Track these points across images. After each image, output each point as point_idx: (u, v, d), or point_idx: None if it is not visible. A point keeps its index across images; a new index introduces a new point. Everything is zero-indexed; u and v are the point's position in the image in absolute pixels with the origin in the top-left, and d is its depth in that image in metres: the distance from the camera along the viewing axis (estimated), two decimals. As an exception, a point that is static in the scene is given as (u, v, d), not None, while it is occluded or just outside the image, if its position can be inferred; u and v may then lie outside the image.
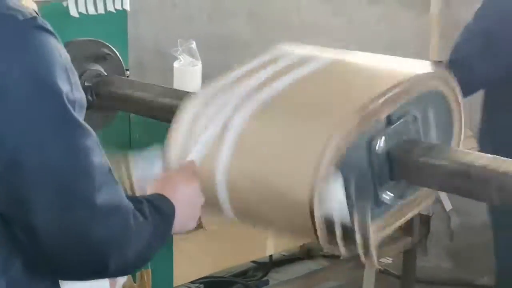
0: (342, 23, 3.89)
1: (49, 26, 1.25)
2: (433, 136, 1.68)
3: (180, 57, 3.21)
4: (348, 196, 1.48)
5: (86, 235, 1.26)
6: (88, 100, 2.26)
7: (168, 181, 1.56)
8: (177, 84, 3.21)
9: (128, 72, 2.43)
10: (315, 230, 1.47)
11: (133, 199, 1.40)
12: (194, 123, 1.65)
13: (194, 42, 3.21)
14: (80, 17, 2.32)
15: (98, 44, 2.32)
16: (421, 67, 1.70)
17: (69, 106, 1.23)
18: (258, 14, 4.16)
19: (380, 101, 1.53)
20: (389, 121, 1.57)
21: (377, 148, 1.54)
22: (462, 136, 1.77)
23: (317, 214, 1.45)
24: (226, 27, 4.35)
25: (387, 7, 3.53)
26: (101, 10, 2.36)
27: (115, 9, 2.39)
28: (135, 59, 4.25)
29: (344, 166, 1.47)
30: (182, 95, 2.07)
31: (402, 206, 1.65)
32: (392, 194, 1.60)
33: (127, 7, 2.41)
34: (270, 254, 3.12)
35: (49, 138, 1.21)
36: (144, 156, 1.69)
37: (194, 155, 1.61)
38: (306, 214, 1.45)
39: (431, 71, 1.67)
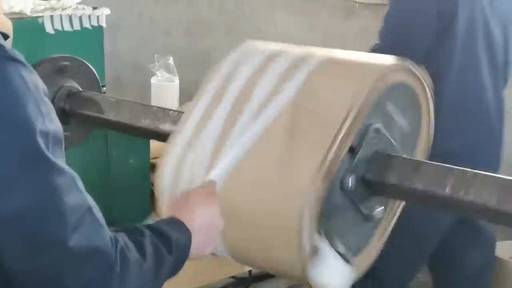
0: (318, 37, 3.91)
1: (17, 55, 1.18)
2: (404, 125, 1.68)
3: (157, 72, 3.21)
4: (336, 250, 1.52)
5: (58, 281, 1.16)
6: (63, 117, 2.27)
7: (186, 202, 1.47)
8: (155, 100, 3.21)
9: (104, 88, 2.42)
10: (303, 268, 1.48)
11: (133, 230, 1.31)
12: (183, 158, 1.63)
13: (171, 58, 3.22)
14: (55, 34, 2.31)
15: (76, 61, 2.32)
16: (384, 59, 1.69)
17: (39, 141, 1.14)
18: (235, 29, 4.17)
19: (335, 147, 1.49)
20: (352, 151, 1.55)
21: (350, 185, 1.54)
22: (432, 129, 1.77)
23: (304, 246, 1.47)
24: (204, 43, 4.36)
25: (363, 21, 3.54)
26: (77, 27, 2.34)
27: (91, 26, 2.38)
28: (112, 75, 4.24)
29: (328, 223, 1.51)
30: (158, 112, 2.07)
31: (389, 214, 1.73)
32: (381, 207, 1.63)
33: (103, 23, 2.40)
34: (249, 269, 3.10)
35: (15, 178, 1.13)
36: None
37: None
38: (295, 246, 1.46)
39: (394, 63, 1.65)
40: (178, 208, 1.44)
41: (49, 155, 1.16)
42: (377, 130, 1.59)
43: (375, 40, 3.46)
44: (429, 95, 1.72)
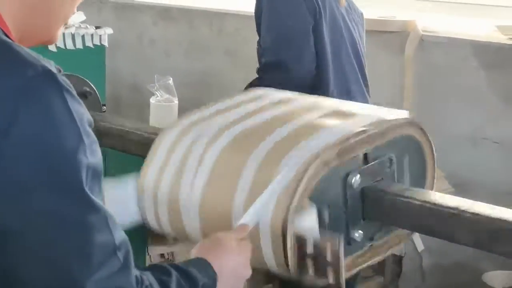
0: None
1: (68, 85, 1.12)
2: (407, 181, 1.71)
3: (156, 92, 3.22)
4: (321, 225, 1.49)
5: None
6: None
7: (217, 245, 1.40)
8: (153, 120, 3.22)
9: (104, 107, 2.44)
10: (286, 256, 1.47)
11: (160, 270, 1.27)
12: (169, 156, 1.65)
13: (171, 78, 3.23)
14: (58, 52, 2.33)
15: (78, 80, 2.34)
16: (396, 114, 1.73)
17: (79, 176, 1.10)
18: (235, 51, 4.19)
19: (358, 138, 1.56)
20: (366, 159, 1.59)
21: (352, 182, 1.55)
22: (435, 180, 1.79)
23: (289, 237, 1.45)
24: (203, 64, 4.38)
25: (362, 48, 3.57)
26: (79, 45, 2.37)
27: (93, 45, 2.40)
28: (112, 94, 4.26)
29: (320, 197, 1.49)
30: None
31: (371, 248, 1.66)
32: (362, 233, 1.60)
33: (105, 43, 2.43)
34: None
35: (47, 211, 1.09)
36: (117, 182, 1.60)
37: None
38: (279, 238, 1.45)
39: (406, 117, 1.69)
40: (208, 249, 1.39)
41: (87, 190, 1.12)
42: (391, 162, 1.63)
43: (374, 65, 3.50)
44: (435, 159, 1.74)
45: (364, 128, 1.59)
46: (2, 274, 1.12)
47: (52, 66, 1.15)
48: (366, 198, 1.59)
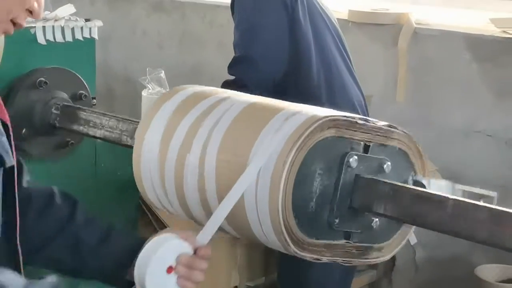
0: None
1: None
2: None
3: (148, 85, 3.20)
4: (310, 190, 1.49)
5: None
6: (52, 129, 2.27)
7: None
8: (145, 113, 3.20)
9: (94, 100, 2.42)
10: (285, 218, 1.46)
11: None
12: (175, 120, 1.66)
13: (162, 71, 3.21)
14: (47, 45, 2.31)
15: (64, 71, 2.32)
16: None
17: None
18: (227, 44, 4.18)
19: (359, 121, 1.55)
20: (366, 150, 1.58)
21: (350, 162, 1.53)
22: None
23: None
24: (196, 57, 4.36)
25: (356, 40, 3.55)
26: (69, 38, 2.35)
27: (83, 37, 2.38)
28: (103, 87, 4.24)
29: (314, 162, 1.49)
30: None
31: (342, 246, 1.60)
32: (340, 224, 1.55)
33: (95, 35, 2.41)
34: (235, 285, 3.10)
35: None
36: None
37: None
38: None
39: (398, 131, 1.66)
40: None
41: None
42: (388, 166, 1.60)
43: (367, 58, 3.49)
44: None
45: (364, 121, 1.57)
46: None
47: None
48: (357, 186, 1.56)
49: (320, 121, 1.49)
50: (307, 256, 1.51)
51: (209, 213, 1.58)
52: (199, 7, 4.33)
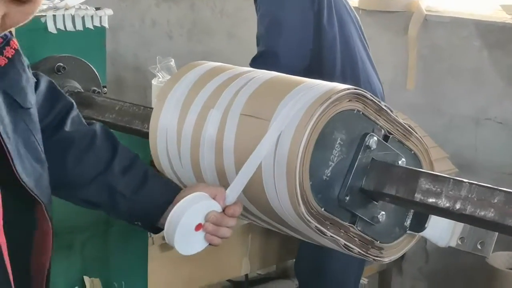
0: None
1: None
2: None
3: (158, 74, 3.20)
4: (327, 163, 1.50)
5: None
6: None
7: None
8: (155, 101, 3.20)
9: (105, 89, 2.42)
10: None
11: None
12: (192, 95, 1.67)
13: (172, 60, 3.22)
14: (58, 33, 2.31)
15: (75, 60, 2.32)
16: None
17: None
18: (236, 33, 4.18)
19: (387, 109, 1.57)
20: (386, 139, 1.58)
21: (370, 143, 1.53)
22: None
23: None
24: (205, 46, 4.36)
25: (366, 28, 3.55)
26: (79, 27, 2.35)
27: (94, 26, 2.38)
28: (113, 75, 4.25)
29: (331, 135, 1.50)
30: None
31: (345, 229, 1.58)
32: (350, 203, 1.55)
33: (105, 24, 2.40)
34: (245, 273, 3.10)
35: None
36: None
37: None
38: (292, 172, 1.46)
39: (417, 135, 1.66)
40: None
41: None
42: (403, 162, 1.60)
43: (378, 46, 3.48)
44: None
45: (389, 110, 1.58)
46: None
47: None
48: (372, 169, 1.56)
49: (348, 91, 1.51)
50: (313, 222, 1.51)
51: (222, 175, 1.60)
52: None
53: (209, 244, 1.56)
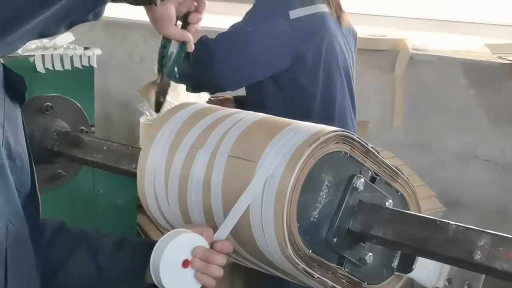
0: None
1: None
2: None
3: (146, 112, 3.21)
4: (315, 204, 1.50)
5: None
6: (51, 156, 2.27)
7: None
8: (143, 139, 3.21)
9: (93, 128, 2.42)
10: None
11: None
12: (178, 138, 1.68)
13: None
14: (46, 73, 2.32)
15: (63, 99, 2.32)
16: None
17: None
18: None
19: (374, 151, 1.58)
20: (373, 181, 1.59)
21: (357, 184, 1.54)
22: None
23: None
24: (194, 82, 4.37)
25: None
26: (67, 67, 2.35)
27: (82, 66, 2.39)
28: (101, 113, 4.24)
29: (326, 173, 1.51)
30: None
31: (332, 271, 1.58)
32: (338, 243, 1.55)
33: (94, 64, 2.41)
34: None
35: None
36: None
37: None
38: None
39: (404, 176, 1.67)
40: None
41: None
42: (390, 204, 1.61)
43: (364, 84, 3.50)
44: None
45: (376, 153, 1.60)
46: None
47: None
48: (359, 210, 1.57)
49: (336, 133, 1.52)
50: (300, 264, 1.50)
51: (209, 215, 1.59)
52: (199, 32, 4.35)
53: (201, 285, 1.50)
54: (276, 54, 2.54)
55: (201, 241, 1.50)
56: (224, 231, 1.52)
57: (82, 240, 1.59)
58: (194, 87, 2.62)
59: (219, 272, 1.50)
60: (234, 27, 2.57)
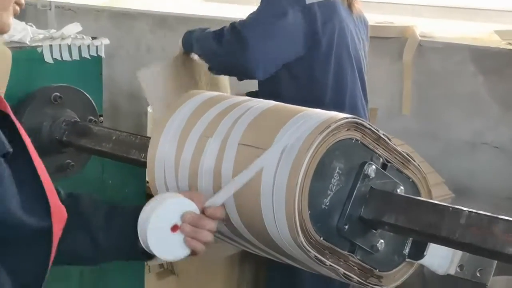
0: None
1: None
2: None
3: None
4: (326, 190, 1.50)
5: None
6: (60, 146, 2.27)
7: None
8: (151, 128, 3.21)
9: (101, 118, 2.42)
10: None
11: None
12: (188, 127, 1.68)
13: (168, 87, 3.21)
14: (54, 63, 2.31)
15: (71, 89, 2.32)
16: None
17: None
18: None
19: (385, 138, 1.58)
20: (384, 168, 1.59)
21: (368, 172, 1.54)
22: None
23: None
24: (201, 72, 4.36)
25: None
26: (75, 57, 2.35)
27: (90, 55, 2.38)
28: (109, 103, 4.24)
29: (337, 160, 1.51)
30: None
31: (344, 258, 1.58)
32: (349, 231, 1.55)
33: (102, 53, 2.41)
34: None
35: None
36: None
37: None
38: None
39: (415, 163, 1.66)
40: None
41: None
42: (401, 191, 1.61)
43: (373, 72, 3.49)
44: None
45: (388, 139, 1.59)
46: None
47: None
48: (371, 197, 1.56)
49: (347, 120, 1.51)
50: (312, 252, 1.50)
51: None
52: (204, 23, 4.33)
53: (191, 250, 1.49)
54: (298, 39, 2.59)
55: (191, 206, 1.49)
56: (220, 197, 1.52)
57: (75, 216, 1.55)
58: (219, 70, 2.67)
59: (209, 237, 1.49)
60: (259, 13, 2.58)
